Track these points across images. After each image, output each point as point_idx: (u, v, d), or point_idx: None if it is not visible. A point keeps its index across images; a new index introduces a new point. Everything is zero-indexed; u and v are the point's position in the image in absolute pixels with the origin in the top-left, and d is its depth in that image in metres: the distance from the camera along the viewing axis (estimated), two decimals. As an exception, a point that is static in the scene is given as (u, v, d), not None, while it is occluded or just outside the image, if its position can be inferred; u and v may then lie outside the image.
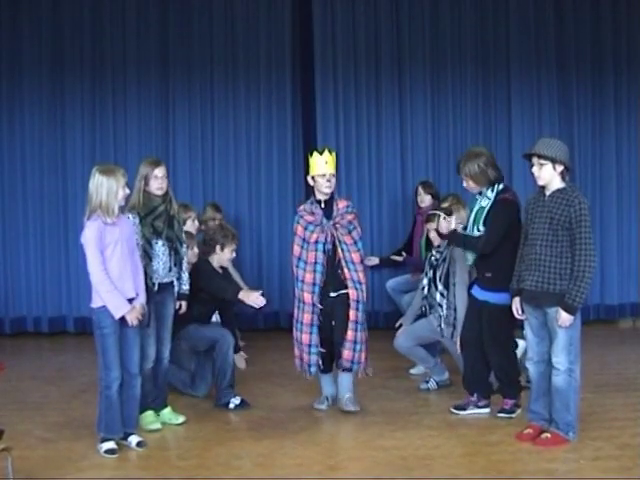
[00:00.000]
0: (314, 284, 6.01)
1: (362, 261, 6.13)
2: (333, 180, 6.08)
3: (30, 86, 8.88)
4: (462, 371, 6.18)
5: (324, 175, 6.02)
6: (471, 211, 5.95)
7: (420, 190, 8.21)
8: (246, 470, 4.95)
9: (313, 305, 6.00)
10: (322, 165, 6.01)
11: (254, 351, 7.30)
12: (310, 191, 6.25)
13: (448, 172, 9.14)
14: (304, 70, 9.09)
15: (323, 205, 6.08)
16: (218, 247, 6.50)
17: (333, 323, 6.02)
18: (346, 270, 6.01)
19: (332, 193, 6.10)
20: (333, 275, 6.04)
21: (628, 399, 5.83)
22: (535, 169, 5.22)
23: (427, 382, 6.65)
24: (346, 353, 5.96)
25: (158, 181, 5.76)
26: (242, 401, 6.18)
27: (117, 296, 5.12)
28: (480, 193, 5.86)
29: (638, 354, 8.09)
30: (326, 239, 6.02)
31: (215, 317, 6.79)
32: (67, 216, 8.90)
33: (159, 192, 5.77)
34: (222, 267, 6.62)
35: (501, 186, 5.80)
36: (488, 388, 6.00)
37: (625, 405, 5.62)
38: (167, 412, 5.87)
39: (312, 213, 6.08)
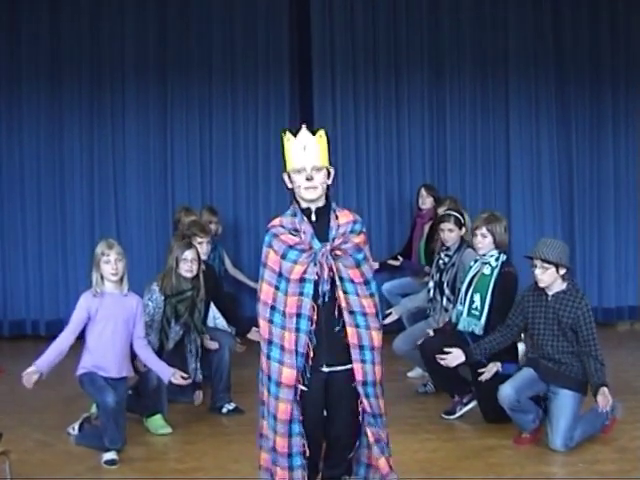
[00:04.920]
0: (296, 352, 3.68)
1: (378, 313, 3.81)
2: (320, 177, 3.77)
3: (28, 91, 8.87)
4: (432, 380, 6.36)
5: (302, 170, 3.78)
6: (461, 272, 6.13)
7: (423, 192, 8.26)
8: (245, 473, 4.92)
9: (295, 388, 3.70)
10: (299, 154, 3.79)
11: (252, 353, 7.28)
12: (293, 197, 3.98)
13: (446, 175, 9.20)
14: (302, 74, 9.10)
15: (314, 218, 3.80)
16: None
17: (325, 414, 3.85)
18: (351, 329, 3.71)
19: (327, 200, 3.85)
20: (329, 336, 3.72)
21: (626, 402, 5.81)
22: (538, 272, 5.25)
23: (425, 385, 6.64)
24: (382, 463, 3.90)
25: (187, 264, 5.87)
26: (236, 407, 6.16)
27: (46, 353, 5.10)
28: (480, 256, 5.90)
29: (636, 357, 8.10)
30: (319, 275, 3.70)
31: (217, 321, 6.79)
32: (65, 220, 8.91)
33: (188, 275, 5.89)
34: (206, 263, 6.54)
35: (505, 257, 5.86)
36: (464, 382, 5.98)
37: (624, 408, 5.61)
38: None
39: (295, 231, 3.77)
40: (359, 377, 3.72)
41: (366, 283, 3.78)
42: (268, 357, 3.73)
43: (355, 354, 3.70)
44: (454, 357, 5.49)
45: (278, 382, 3.69)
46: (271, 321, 3.72)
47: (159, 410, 5.77)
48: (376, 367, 3.76)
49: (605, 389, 5.09)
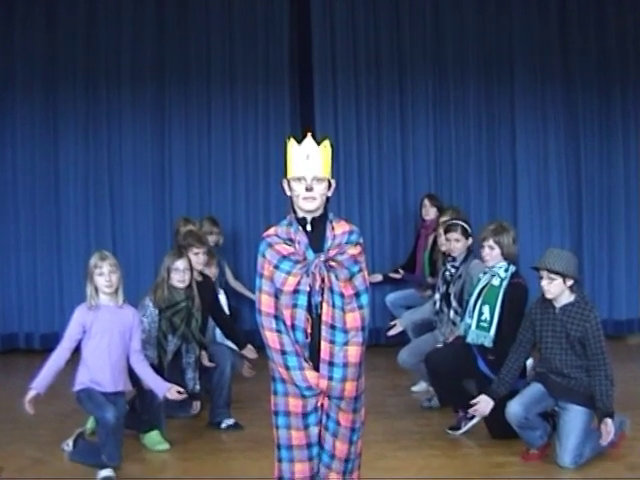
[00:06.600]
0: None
1: (364, 327, 3.73)
2: (321, 189, 3.77)
3: (22, 98, 8.77)
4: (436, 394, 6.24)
5: (302, 179, 3.78)
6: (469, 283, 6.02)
7: (426, 202, 8.21)
8: (244, 491, 4.84)
9: (303, 416, 3.75)
10: (301, 162, 3.79)
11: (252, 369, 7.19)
12: (290, 205, 3.94)
13: (450, 185, 9.09)
14: (303, 81, 9.01)
15: (309, 228, 3.80)
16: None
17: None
18: (324, 344, 3.66)
19: (325, 210, 3.84)
20: (316, 352, 3.73)
21: (637, 417, 5.71)
22: (544, 283, 5.13)
23: (430, 400, 6.51)
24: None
25: (179, 274, 5.81)
26: (235, 423, 6.03)
27: (43, 373, 4.96)
28: (489, 268, 5.78)
29: (646, 370, 7.97)
30: (312, 287, 3.69)
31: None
32: (59, 231, 8.81)
33: (181, 285, 5.82)
34: (203, 274, 6.43)
35: (514, 268, 5.76)
36: (469, 397, 5.77)
37: (634, 423, 5.50)
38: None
39: (290, 240, 3.78)
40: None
41: (357, 296, 3.72)
42: (287, 367, 3.69)
43: (324, 370, 3.67)
44: (484, 406, 5.31)
45: (309, 387, 3.69)
46: (279, 331, 3.69)
47: (156, 426, 5.65)
48: (347, 384, 3.69)
49: (609, 421, 4.93)
